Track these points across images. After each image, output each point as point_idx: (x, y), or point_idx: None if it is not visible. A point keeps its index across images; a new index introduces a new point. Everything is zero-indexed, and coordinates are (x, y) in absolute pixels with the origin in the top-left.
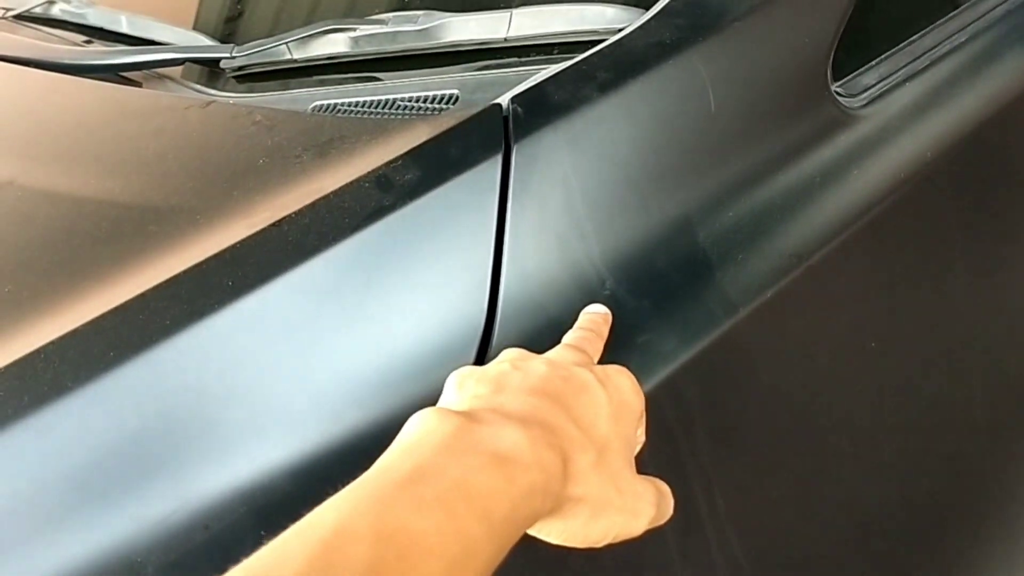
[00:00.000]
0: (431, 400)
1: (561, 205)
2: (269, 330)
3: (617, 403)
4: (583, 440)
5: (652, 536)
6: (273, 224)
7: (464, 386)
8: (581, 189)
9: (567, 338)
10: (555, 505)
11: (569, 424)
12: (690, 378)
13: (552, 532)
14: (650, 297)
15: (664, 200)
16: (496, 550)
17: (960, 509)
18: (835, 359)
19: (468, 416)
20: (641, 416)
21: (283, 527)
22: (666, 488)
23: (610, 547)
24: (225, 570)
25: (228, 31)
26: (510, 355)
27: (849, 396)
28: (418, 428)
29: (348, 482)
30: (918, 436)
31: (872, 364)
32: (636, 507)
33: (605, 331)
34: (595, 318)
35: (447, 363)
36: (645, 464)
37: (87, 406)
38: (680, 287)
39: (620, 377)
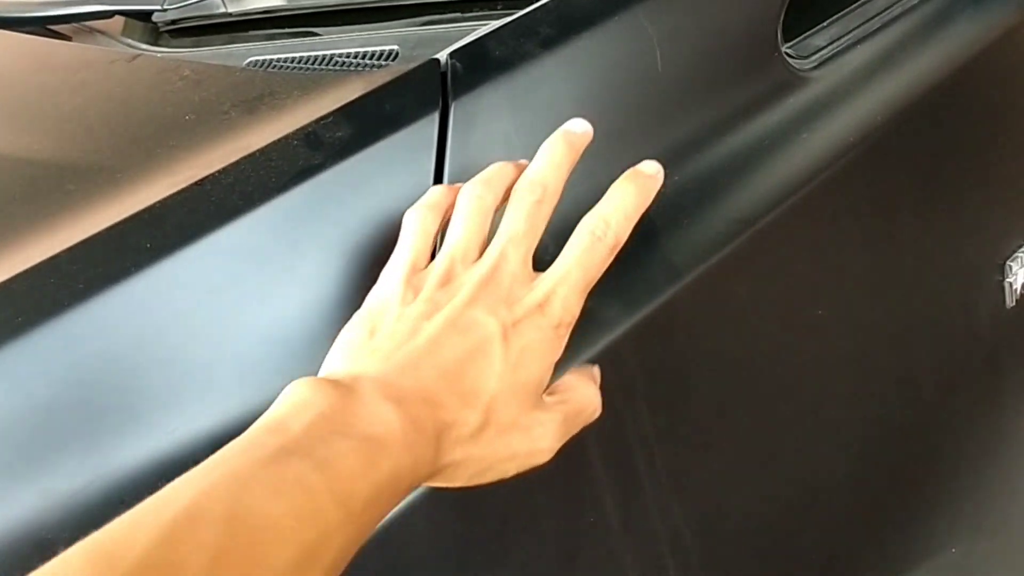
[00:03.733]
0: None
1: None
2: (190, 295)
3: (519, 352)
4: (465, 412)
5: (592, 505)
6: (195, 183)
7: (347, 350)
8: (523, 148)
9: (504, 220)
10: (428, 477)
11: (452, 397)
12: (632, 346)
13: (435, 484)
14: None
15: (609, 163)
16: (355, 534)
17: (906, 477)
18: (782, 327)
19: (344, 391)
20: (561, 335)
21: None
22: (579, 396)
23: (548, 517)
24: None
25: None
26: (429, 281)
27: (796, 364)
28: (291, 399)
29: None
30: (865, 404)
31: (820, 332)
32: (534, 444)
33: (556, 181)
34: (544, 162)
35: None
36: (584, 432)
37: None
38: (623, 252)
39: (534, 318)
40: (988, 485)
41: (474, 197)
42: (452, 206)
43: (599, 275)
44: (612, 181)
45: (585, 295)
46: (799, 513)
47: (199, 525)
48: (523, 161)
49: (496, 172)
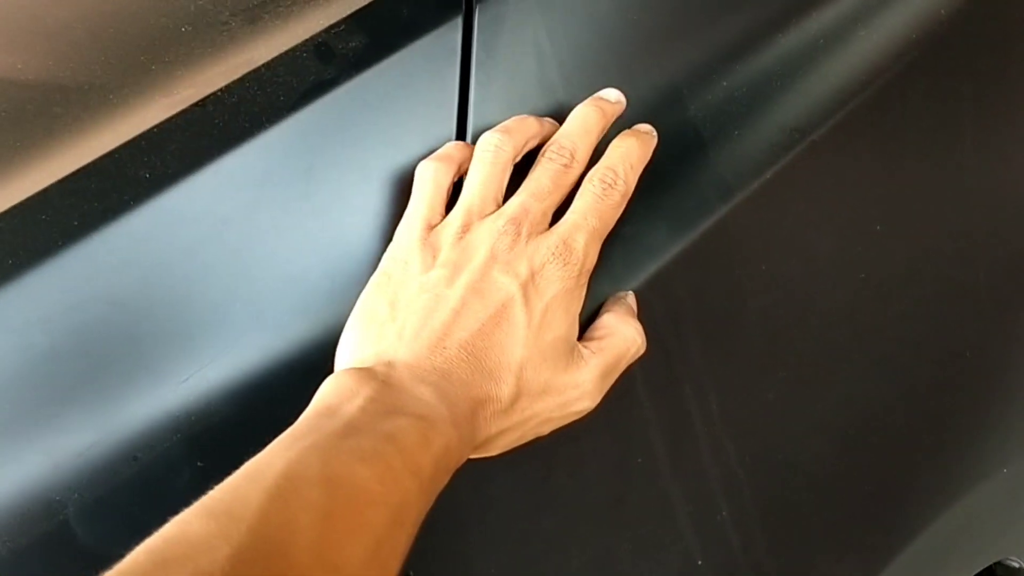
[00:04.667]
0: None
1: (533, 74)
2: (195, 230)
3: (542, 312)
4: (495, 387)
5: (640, 446)
6: (195, 104)
7: (372, 329)
8: (555, 55)
9: (530, 177)
10: (471, 451)
11: (481, 374)
12: (681, 272)
13: (475, 455)
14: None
15: (649, 68)
16: (425, 504)
17: (959, 398)
18: (839, 246)
19: (384, 378)
20: (582, 284)
21: (223, 456)
22: (617, 340)
23: (594, 460)
24: (160, 507)
25: None
26: (438, 260)
27: (852, 286)
28: (334, 389)
29: (296, 403)
30: (922, 325)
31: (877, 250)
32: (570, 406)
33: (585, 148)
34: (575, 128)
35: None
36: (631, 366)
37: None
38: (669, 169)
39: (553, 268)
40: None
41: (492, 147)
42: (467, 160)
43: (612, 224)
44: (653, 90)
45: (600, 242)
46: (853, 442)
47: (302, 486)
48: (547, 119)
49: (516, 123)
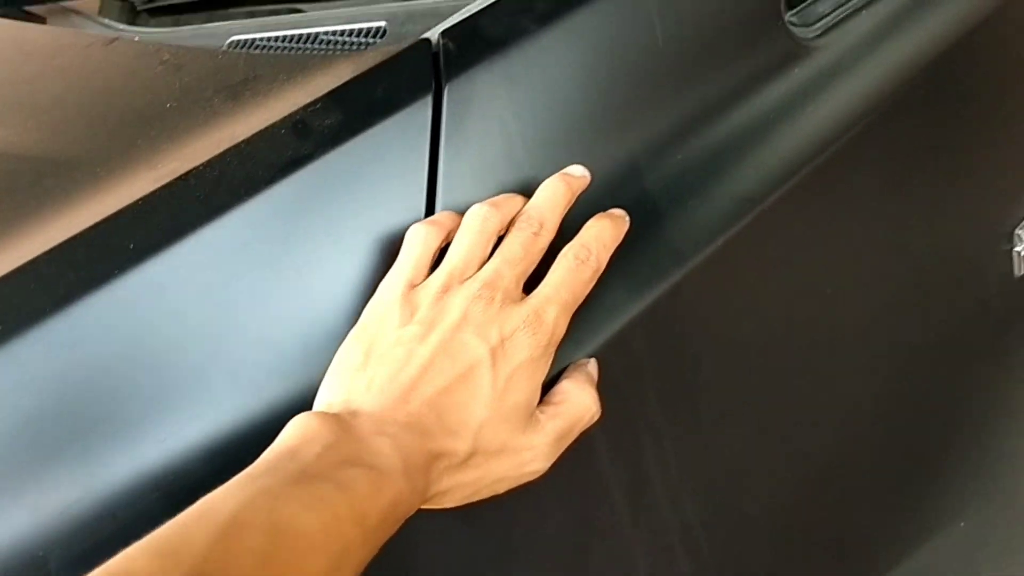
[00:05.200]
0: None
1: (499, 150)
2: (176, 297)
3: (507, 376)
4: (453, 442)
5: (600, 499)
6: (179, 178)
7: (345, 376)
8: (520, 132)
9: (503, 245)
10: (422, 503)
11: (440, 429)
12: (639, 333)
13: (427, 507)
14: None
15: (610, 143)
16: (368, 552)
17: (916, 452)
18: (790, 307)
19: (346, 426)
20: (549, 353)
21: None
22: (573, 406)
23: (555, 513)
24: None
25: None
26: (409, 321)
27: (805, 344)
28: (299, 431)
29: None
30: (875, 381)
31: (829, 310)
32: (524, 467)
33: (553, 219)
34: (543, 200)
35: None
36: (593, 426)
37: None
38: (628, 237)
39: (523, 336)
40: (996, 456)
41: (480, 218)
42: (456, 228)
43: (582, 298)
44: (613, 163)
45: (570, 316)
46: (810, 496)
47: (246, 531)
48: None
49: (505, 200)
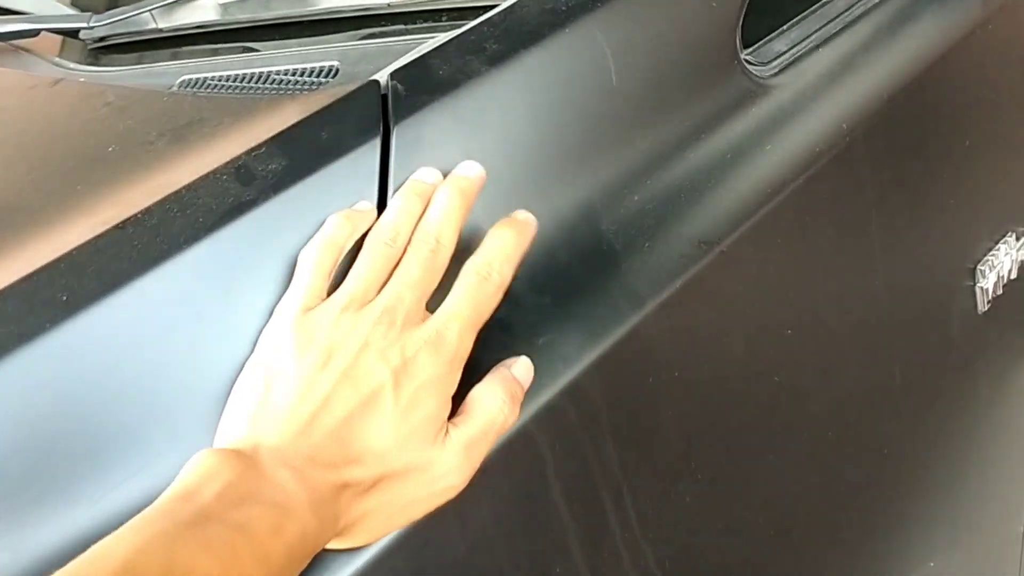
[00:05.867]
0: None
1: None
2: (111, 351)
3: (412, 393)
4: (357, 470)
5: (558, 555)
6: (115, 227)
7: (244, 409)
8: None
9: (402, 266)
10: (333, 535)
11: (343, 459)
12: (596, 379)
13: (343, 545)
14: (551, 293)
15: (564, 186)
16: None
17: (881, 493)
18: (750, 351)
19: (247, 462)
20: (455, 370)
21: None
22: (481, 413)
23: (513, 567)
24: None
25: None
26: (305, 347)
27: (765, 389)
28: (198, 470)
29: None
30: (838, 423)
31: (790, 353)
32: (437, 483)
33: (449, 233)
34: (439, 214)
35: None
36: (548, 475)
37: None
38: (583, 281)
39: (425, 356)
40: (963, 495)
41: (383, 244)
42: (350, 239)
43: (488, 314)
44: (567, 207)
45: (475, 332)
46: (773, 543)
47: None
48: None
49: (407, 222)
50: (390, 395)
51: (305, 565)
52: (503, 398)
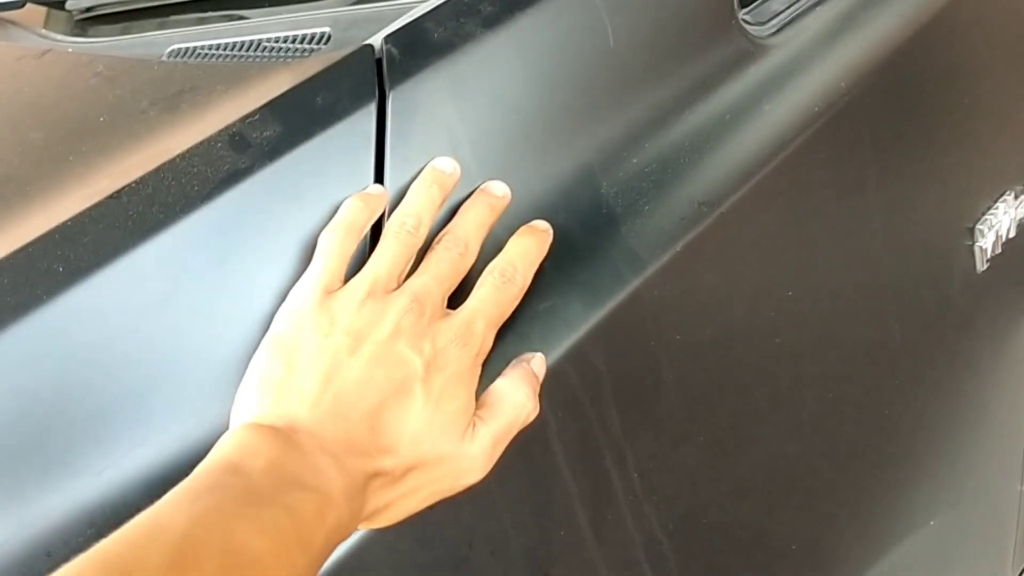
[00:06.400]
0: None
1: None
2: (109, 321)
3: (442, 386)
4: (389, 460)
5: (562, 519)
6: (111, 196)
7: (269, 388)
8: (468, 139)
9: (431, 262)
10: (360, 523)
11: (377, 447)
12: (598, 343)
13: (364, 527)
14: (551, 258)
15: (561, 148)
16: None
17: (884, 453)
18: (752, 313)
19: (286, 441)
20: (478, 364)
21: None
22: (508, 408)
23: (516, 535)
24: None
25: None
26: (342, 324)
27: (767, 349)
28: (239, 443)
29: None
30: (839, 384)
31: (790, 314)
32: (461, 476)
33: (477, 240)
34: (469, 222)
35: None
36: (551, 440)
37: None
38: (583, 245)
39: (454, 349)
40: (964, 455)
41: (406, 233)
42: (368, 223)
43: (508, 314)
44: (566, 170)
45: (496, 330)
46: (776, 504)
47: (201, 554)
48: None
49: (429, 211)
50: (421, 385)
51: (332, 552)
52: (527, 393)
